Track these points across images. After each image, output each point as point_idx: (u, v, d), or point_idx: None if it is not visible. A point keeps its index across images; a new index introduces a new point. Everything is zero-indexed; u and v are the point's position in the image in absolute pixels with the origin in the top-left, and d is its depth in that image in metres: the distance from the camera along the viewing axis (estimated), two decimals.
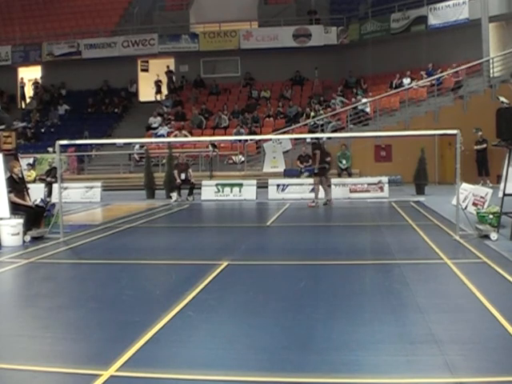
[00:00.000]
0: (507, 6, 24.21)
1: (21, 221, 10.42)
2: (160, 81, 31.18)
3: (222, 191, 18.82)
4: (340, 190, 18.41)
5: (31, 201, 11.61)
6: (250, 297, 6.55)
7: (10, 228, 10.21)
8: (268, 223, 13.21)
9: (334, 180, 19.11)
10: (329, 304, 6.11)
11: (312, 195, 16.68)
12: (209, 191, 18.83)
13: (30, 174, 19.05)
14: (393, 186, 19.22)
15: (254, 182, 19.13)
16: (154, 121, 27.67)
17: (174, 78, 31.12)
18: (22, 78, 32.24)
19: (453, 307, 5.91)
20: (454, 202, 11.27)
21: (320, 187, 16.46)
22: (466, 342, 4.81)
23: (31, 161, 22.36)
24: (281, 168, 22.58)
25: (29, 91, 32.50)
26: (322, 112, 25.42)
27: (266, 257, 9.15)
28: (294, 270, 8.09)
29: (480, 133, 19.17)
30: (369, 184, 18.43)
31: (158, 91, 31.16)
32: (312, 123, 24.68)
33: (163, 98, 30.72)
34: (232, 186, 18.90)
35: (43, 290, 7.16)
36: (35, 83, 32.25)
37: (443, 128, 12.18)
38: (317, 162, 16.25)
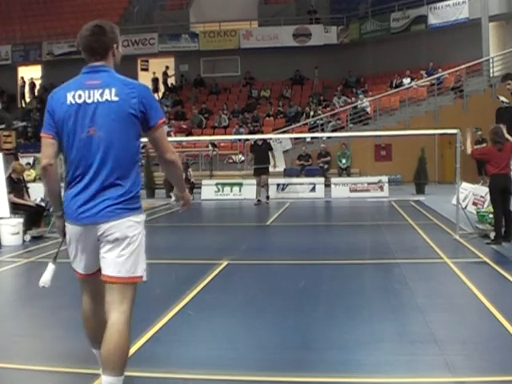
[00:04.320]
0: (507, 5, 24.22)
1: (21, 220, 10.43)
2: (157, 78, 31.17)
3: (222, 190, 18.80)
4: (340, 189, 18.42)
5: (30, 200, 11.62)
6: (250, 296, 6.55)
7: (10, 227, 10.21)
8: (268, 223, 13.21)
9: (333, 179, 19.15)
10: (329, 303, 6.11)
11: (312, 195, 16.70)
12: (209, 190, 18.82)
13: (29, 174, 19.00)
14: (393, 185, 19.23)
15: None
16: None
17: (168, 80, 31.09)
18: (22, 77, 32.20)
19: (453, 307, 5.90)
20: (454, 201, 11.27)
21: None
22: (466, 341, 4.81)
23: (31, 160, 22.33)
24: (281, 167, 22.56)
25: (29, 91, 32.45)
26: (320, 112, 25.41)
27: (266, 256, 9.14)
28: (294, 270, 8.08)
29: (480, 132, 19.14)
30: (369, 183, 18.44)
31: (155, 90, 31.11)
32: (312, 123, 24.68)
33: (160, 96, 30.69)
34: (232, 185, 18.90)
35: (43, 289, 7.12)
36: (32, 83, 32.21)
37: (443, 127, 12.19)
38: (274, 161, 17.27)
